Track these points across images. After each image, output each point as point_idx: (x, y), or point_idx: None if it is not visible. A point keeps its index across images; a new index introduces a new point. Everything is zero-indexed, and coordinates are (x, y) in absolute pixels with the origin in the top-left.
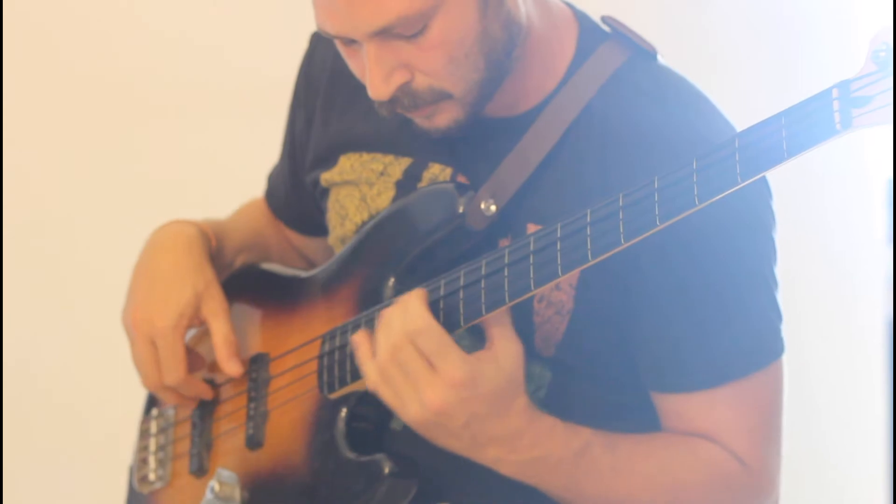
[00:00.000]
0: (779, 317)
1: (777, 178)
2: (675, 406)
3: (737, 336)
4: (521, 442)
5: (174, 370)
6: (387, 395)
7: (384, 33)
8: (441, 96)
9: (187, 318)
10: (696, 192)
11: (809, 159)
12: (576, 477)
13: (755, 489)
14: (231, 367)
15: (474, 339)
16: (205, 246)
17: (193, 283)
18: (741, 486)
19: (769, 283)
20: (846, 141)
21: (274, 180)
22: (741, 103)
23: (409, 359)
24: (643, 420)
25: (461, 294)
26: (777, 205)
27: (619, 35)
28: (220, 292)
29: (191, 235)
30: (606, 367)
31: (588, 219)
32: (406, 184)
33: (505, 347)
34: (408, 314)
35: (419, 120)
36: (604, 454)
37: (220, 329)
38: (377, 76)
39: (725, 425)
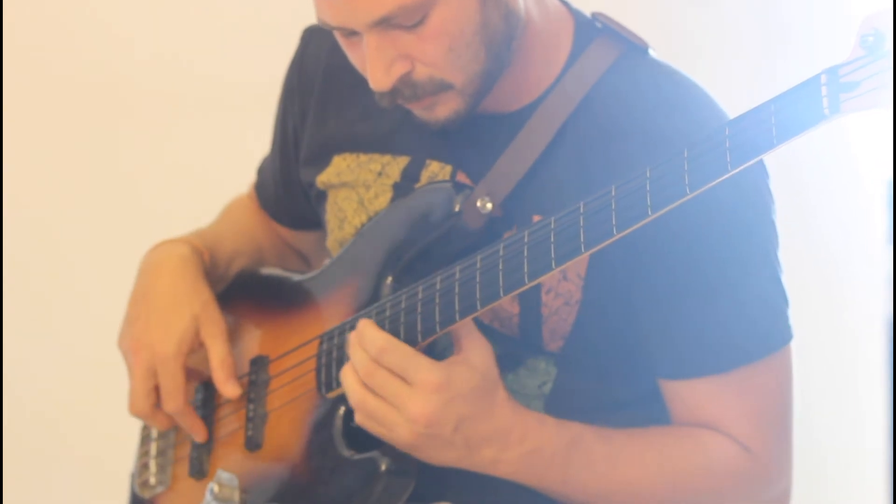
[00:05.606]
0: (785, 301)
1: (777, 178)
2: (682, 392)
3: (743, 322)
4: (511, 437)
5: (174, 398)
6: (374, 427)
7: (384, 23)
8: (442, 87)
9: (187, 344)
10: (686, 181)
11: (809, 159)
12: (572, 470)
13: (760, 476)
14: (228, 389)
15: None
16: (199, 264)
17: (191, 306)
18: (745, 473)
19: (774, 267)
20: (845, 141)
21: (264, 174)
22: (733, 96)
23: (382, 383)
24: (648, 414)
25: (456, 290)
26: (777, 205)
27: (610, 31)
28: (218, 313)
29: (184, 256)
30: (613, 360)
31: (581, 210)
32: (403, 185)
33: (473, 347)
34: (365, 341)
35: (419, 112)
36: (597, 444)
37: (217, 352)
38: (378, 67)
39: (731, 411)
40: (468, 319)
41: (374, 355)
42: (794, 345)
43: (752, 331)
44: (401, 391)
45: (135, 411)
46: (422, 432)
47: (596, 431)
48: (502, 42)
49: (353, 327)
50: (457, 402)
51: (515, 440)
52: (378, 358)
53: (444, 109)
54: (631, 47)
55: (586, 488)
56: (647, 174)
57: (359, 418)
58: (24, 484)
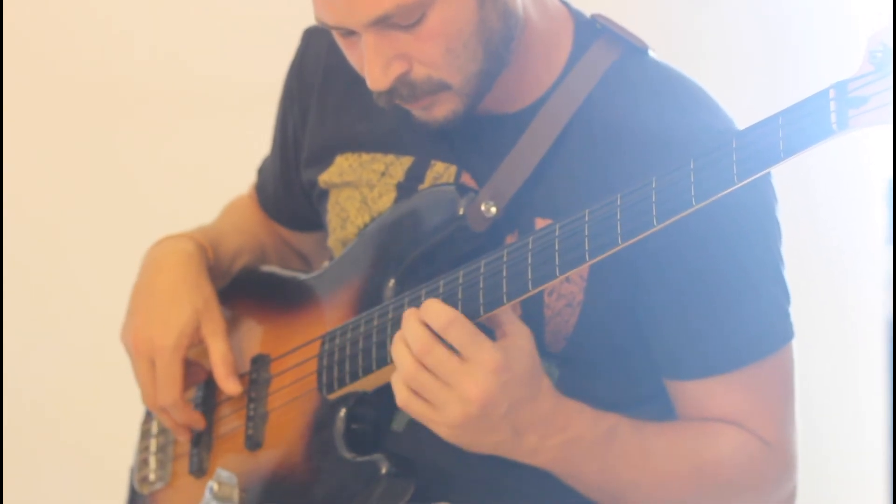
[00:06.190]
0: (787, 299)
1: (777, 178)
2: (691, 393)
3: (752, 320)
4: (554, 424)
5: (169, 391)
6: (419, 408)
7: (382, 23)
8: (439, 87)
9: (187, 338)
10: (693, 193)
11: (809, 159)
12: (609, 460)
13: (780, 467)
14: (229, 386)
15: None
16: (202, 261)
17: (193, 301)
18: (768, 465)
19: (777, 265)
20: (846, 141)
21: (264, 175)
22: (738, 103)
23: (440, 360)
24: (654, 413)
25: (460, 294)
26: (777, 207)
27: (610, 32)
28: (219, 310)
29: (189, 252)
30: (615, 360)
31: (586, 218)
32: (407, 185)
33: (519, 332)
34: (430, 314)
35: (417, 112)
36: (632, 436)
37: (218, 349)
38: (376, 66)
39: (745, 408)
40: (510, 305)
41: (439, 328)
42: (795, 344)
43: (761, 328)
44: (459, 368)
45: (147, 403)
46: (473, 413)
47: (630, 423)
48: (500, 42)
49: (355, 328)
50: (512, 384)
51: (558, 428)
52: (444, 331)
53: (441, 110)
54: (631, 48)
55: (620, 478)
56: (654, 184)
57: (402, 398)
58: (24, 483)
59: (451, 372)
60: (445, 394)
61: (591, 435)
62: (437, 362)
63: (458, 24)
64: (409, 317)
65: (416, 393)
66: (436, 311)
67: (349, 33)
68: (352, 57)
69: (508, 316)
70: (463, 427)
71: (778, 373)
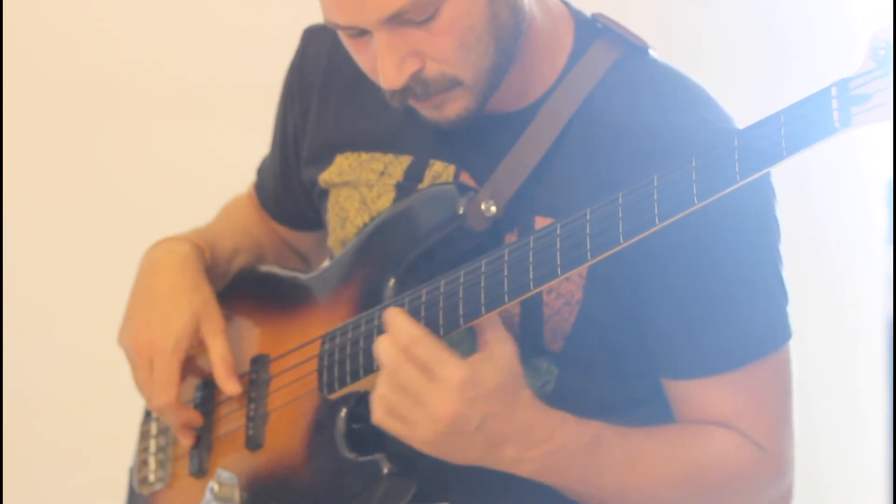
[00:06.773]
0: (786, 299)
1: (777, 178)
2: (688, 393)
3: (748, 321)
4: (535, 436)
5: (164, 393)
6: (394, 426)
7: (395, 20)
8: (453, 83)
9: (187, 340)
10: (695, 191)
11: (809, 159)
12: (593, 469)
13: (774, 472)
14: (229, 386)
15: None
16: (200, 262)
17: (192, 303)
18: (761, 470)
19: (776, 265)
20: (846, 141)
21: (264, 174)
22: (738, 103)
23: (409, 378)
24: (652, 413)
25: (461, 294)
26: (777, 205)
27: (611, 31)
28: (218, 311)
29: (185, 253)
30: (615, 360)
31: (588, 217)
32: (406, 185)
33: (499, 345)
34: (394, 328)
35: (428, 111)
36: (617, 444)
37: (217, 349)
38: (390, 64)
39: (741, 410)
40: (491, 315)
41: (403, 344)
42: (795, 344)
43: (759, 328)
44: (426, 386)
45: (149, 405)
46: (443, 431)
47: (615, 430)
48: (510, 37)
49: (355, 328)
50: (480, 401)
51: (540, 439)
52: (407, 348)
53: (454, 107)
54: (632, 48)
55: (605, 486)
56: (655, 182)
57: (377, 415)
58: (24, 483)
59: (419, 390)
60: (415, 412)
61: (575, 444)
62: (407, 380)
63: (471, 18)
64: (382, 339)
65: (389, 411)
66: (398, 327)
67: (360, 34)
68: (362, 59)
69: (492, 325)
70: (436, 443)
71: (775, 374)
